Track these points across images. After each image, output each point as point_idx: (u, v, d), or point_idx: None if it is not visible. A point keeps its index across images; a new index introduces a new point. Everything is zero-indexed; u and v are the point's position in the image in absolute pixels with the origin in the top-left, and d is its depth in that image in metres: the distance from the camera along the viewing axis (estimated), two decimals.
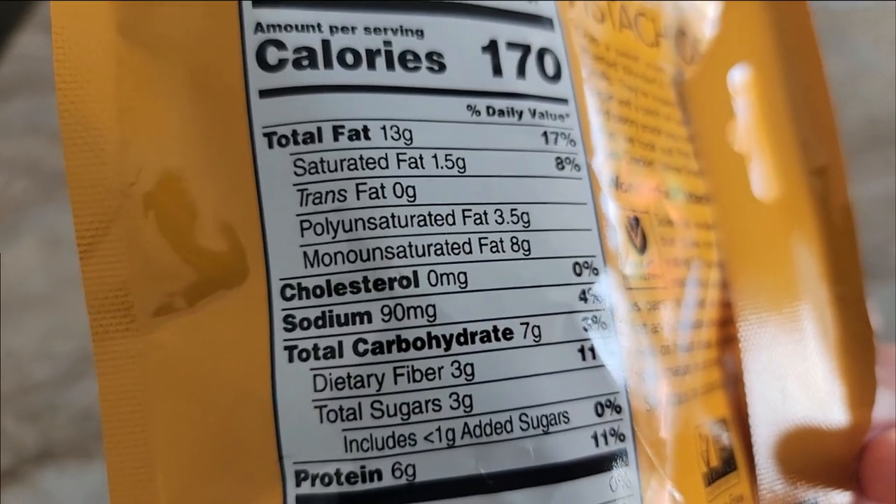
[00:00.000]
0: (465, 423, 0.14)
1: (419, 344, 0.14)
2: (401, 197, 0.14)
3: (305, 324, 0.14)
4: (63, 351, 0.37)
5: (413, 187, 0.14)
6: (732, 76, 0.21)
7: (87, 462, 0.34)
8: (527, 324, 0.14)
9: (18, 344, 0.36)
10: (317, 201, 0.14)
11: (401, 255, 0.14)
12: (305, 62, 0.15)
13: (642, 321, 0.16)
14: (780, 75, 0.22)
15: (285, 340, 0.14)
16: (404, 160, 0.14)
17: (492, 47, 0.16)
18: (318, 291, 0.14)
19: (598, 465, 0.14)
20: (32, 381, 0.36)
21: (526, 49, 0.16)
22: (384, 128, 0.15)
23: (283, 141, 0.14)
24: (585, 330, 0.15)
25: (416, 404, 0.14)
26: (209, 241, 0.14)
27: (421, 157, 0.15)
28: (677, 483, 0.15)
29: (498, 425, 0.14)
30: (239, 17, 0.15)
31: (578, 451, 0.14)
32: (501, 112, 0.15)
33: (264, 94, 0.14)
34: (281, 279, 0.14)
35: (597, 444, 0.14)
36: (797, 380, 0.19)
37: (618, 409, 0.15)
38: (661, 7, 0.19)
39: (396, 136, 0.15)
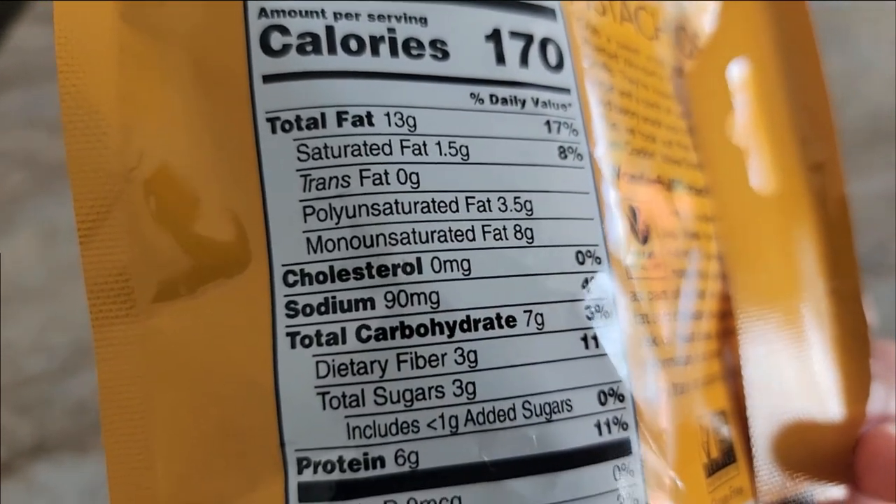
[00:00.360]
0: (468, 411, 0.14)
1: (422, 330, 0.14)
2: (404, 183, 0.14)
3: (308, 310, 0.14)
4: (59, 344, 0.36)
5: (417, 174, 0.14)
6: (731, 71, 0.21)
7: (82, 455, 0.34)
8: (530, 311, 0.14)
9: (14, 336, 0.36)
10: (320, 187, 0.14)
11: (404, 241, 0.14)
12: (309, 48, 0.15)
13: (643, 311, 0.16)
14: (779, 71, 0.22)
15: (287, 327, 0.14)
16: (408, 147, 0.14)
17: (495, 36, 0.16)
18: (320, 277, 0.14)
19: (601, 454, 0.14)
20: (27, 374, 0.36)
21: (529, 38, 0.16)
22: (388, 114, 0.14)
23: (287, 126, 0.14)
24: (588, 318, 0.15)
25: (420, 391, 0.14)
26: (211, 227, 0.14)
27: (424, 144, 0.15)
28: (679, 472, 0.15)
29: (501, 413, 0.14)
30: (243, 3, 0.15)
31: (581, 439, 0.14)
32: (504, 100, 0.15)
33: (268, 79, 0.14)
34: (283, 265, 0.14)
35: (600, 433, 0.14)
36: (794, 373, 0.19)
37: (620, 398, 0.15)
38: (661, 1, 0.19)
39: (400, 123, 0.15)
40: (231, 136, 0.14)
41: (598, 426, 0.14)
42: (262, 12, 0.15)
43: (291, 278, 0.14)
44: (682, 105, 0.19)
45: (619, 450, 0.15)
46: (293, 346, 0.14)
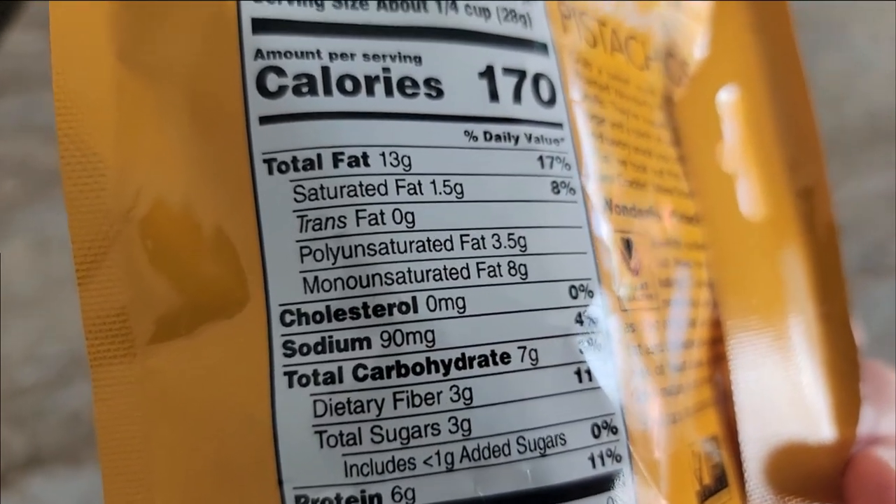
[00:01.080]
0: (464, 447, 0.14)
1: (418, 369, 0.14)
2: (400, 223, 0.14)
3: (305, 349, 0.14)
4: (52, 354, 0.36)
5: (412, 213, 0.15)
6: (720, 98, 0.21)
7: (76, 468, 0.34)
8: (524, 347, 0.15)
9: (7, 347, 0.36)
10: (317, 227, 0.14)
11: (400, 280, 0.14)
12: (305, 89, 0.15)
13: (636, 342, 0.16)
14: (767, 95, 0.22)
15: (285, 366, 0.14)
16: (403, 186, 0.15)
17: (488, 73, 0.16)
18: (317, 317, 0.14)
19: (595, 487, 0.15)
20: (21, 385, 0.36)
21: (521, 74, 0.16)
22: (383, 154, 0.15)
23: (283, 167, 0.14)
24: (581, 352, 0.15)
25: (416, 429, 0.14)
26: (208, 267, 0.14)
27: (419, 183, 0.15)
28: (673, 502, 0.16)
29: (496, 449, 0.14)
30: (239, 44, 0.15)
31: (576, 472, 0.14)
32: (498, 137, 0.16)
33: (264, 120, 0.15)
34: (280, 305, 0.14)
35: (594, 466, 0.15)
36: (785, 397, 0.19)
37: (614, 431, 0.15)
38: (651, 30, 0.20)
39: (395, 163, 0.15)
40: (228, 177, 0.14)
41: (592, 459, 0.15)
42: (259, 53, 0.15)
43: (288, 318, 0.14)
44: (671, 133, 0.19)
45: (613, 482, 0.15)
46: (290, 385, 0.14)
